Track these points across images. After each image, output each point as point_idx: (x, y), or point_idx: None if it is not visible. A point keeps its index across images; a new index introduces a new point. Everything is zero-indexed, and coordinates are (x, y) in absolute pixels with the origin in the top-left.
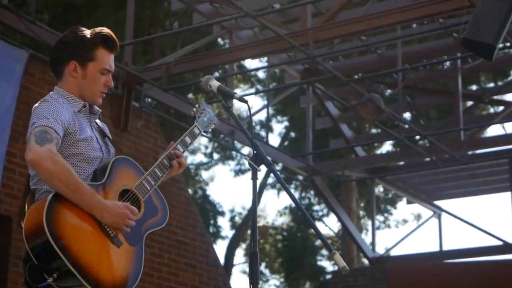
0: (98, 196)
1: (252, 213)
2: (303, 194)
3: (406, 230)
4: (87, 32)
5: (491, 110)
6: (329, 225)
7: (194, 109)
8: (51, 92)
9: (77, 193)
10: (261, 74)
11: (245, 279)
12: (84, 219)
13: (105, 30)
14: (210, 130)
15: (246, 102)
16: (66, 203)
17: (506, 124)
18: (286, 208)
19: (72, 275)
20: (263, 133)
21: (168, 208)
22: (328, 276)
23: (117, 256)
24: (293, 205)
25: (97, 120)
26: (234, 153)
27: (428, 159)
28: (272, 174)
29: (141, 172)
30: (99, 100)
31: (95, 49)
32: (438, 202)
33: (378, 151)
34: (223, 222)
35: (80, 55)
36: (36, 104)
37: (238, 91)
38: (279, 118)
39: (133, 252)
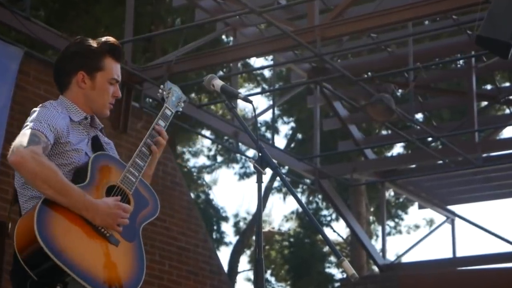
0: (87, 196)
1: (257, 218)
2: (310, 198)
3: (418, 236)
4: (93, 42)
5: (507, 110)
6: (337, 231)
7: (160, 90)
8: (52, 100)
9: (64, 195)
10: (266, 73)
11: (250, 287)
12: (76, 223)
13: (111, 39)
14: (180, 108)
15: (250, 102)
16: (57, 208)
17: None
18: (292, 213)
19: (76, 283)
20: (268, 135)
21: (157, 196)
22: (337, 284)
23: (118, 255)
24: (300, 209)
25: (100, 133)
26: (238, 155)
27: (441, 161)
28: (278, 178)
29: (122, 165)
30: (107, 112)
31: (102, 58)
32: (451, 207)
33: (389, 154)
34: (227, 228)
35: (88, 65)
36: (34, 109)
37: (243, 91)
38: (285, 119)
39: (132, 247)
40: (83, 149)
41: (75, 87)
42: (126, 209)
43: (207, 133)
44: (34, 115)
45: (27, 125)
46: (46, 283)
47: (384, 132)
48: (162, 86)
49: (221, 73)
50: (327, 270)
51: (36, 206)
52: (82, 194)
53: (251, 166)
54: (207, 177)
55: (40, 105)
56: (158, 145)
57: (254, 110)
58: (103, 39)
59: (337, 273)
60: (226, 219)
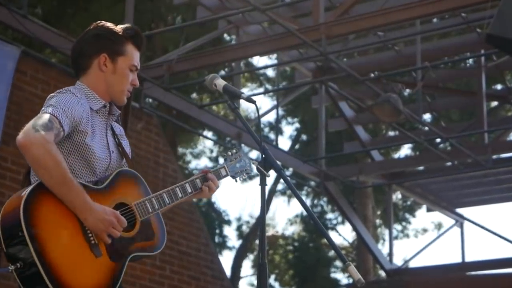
0: (86, 195)
1: (261, 221)
2: (315, 201)
3: (426, 240)
4: (115, 27)
5: None
6: (343, 235)
7: (230, 152)
8: (71, 86)
9: (63, 188)
10: (270, 73)
11: None
12: (66, 217)
13: (133, 26)
14: (239, 179)
15: (254, 102)
16: (51, 196)
17: None
18: (297, 216)
19: (36, 272)
20: (272, 136)
21: (166, 238)
22: None
23: (92, 266)
24: (305, 213)
25: (114, 123)
26: None
27: (449, 163)
28: (282, 180)
29: (147, 193)
30: (124, 99)
31: (125, 43)
32: (460, 210)
33: (396, 155)
34: (230, 232)
35: (111, 48)
36: (52, 94)
37: (246, 91)
38: (289, 119)
39: (111, 268)
40: (104, 142)
41: (95, 71)
42: (121, 222)
43: (209, 134)
44: (51, 100)
45: (42, 110)
46: (9, 255)
47: (391, 133)
48: (235, 149)
49: (223, 72)
50: (332, 275)
51: (35, 184)
52: (81, 192)
53: (254, 168)
54: None
55: (58, 90)
56: (210, 189)
57: (258, 110)
58: (125, 25)
59: (342, 278)
60: (228, 222)
